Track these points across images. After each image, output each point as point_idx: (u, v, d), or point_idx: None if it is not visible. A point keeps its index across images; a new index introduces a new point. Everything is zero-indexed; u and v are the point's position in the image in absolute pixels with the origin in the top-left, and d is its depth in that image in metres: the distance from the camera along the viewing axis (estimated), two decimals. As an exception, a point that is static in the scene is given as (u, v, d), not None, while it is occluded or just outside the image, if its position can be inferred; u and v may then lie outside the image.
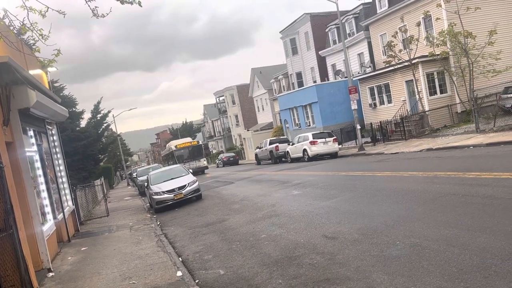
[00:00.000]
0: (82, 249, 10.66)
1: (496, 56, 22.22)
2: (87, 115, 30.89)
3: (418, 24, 26.05)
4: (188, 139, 49.81)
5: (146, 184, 19.40)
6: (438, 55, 24.29)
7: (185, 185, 17.18)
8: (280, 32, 47.01)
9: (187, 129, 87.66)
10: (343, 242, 6.78)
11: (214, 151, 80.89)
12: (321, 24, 41.35)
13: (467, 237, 5.74)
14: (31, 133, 10.13)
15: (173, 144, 46.34)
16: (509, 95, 21.48)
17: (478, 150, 15.03)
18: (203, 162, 42.62)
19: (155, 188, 17.38)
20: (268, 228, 9.07)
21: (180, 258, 8.25)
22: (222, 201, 15.70)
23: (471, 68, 22.82)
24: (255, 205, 12.53)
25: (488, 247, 5.20)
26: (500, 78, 22.73)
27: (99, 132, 31.08)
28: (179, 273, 6.95)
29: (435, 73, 25.95)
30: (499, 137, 16.55)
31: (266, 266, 6.50)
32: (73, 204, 14.14)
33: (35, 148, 10.18)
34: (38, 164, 10.15)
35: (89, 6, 6.78)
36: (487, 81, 22.79)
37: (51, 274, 8.22)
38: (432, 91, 26.09)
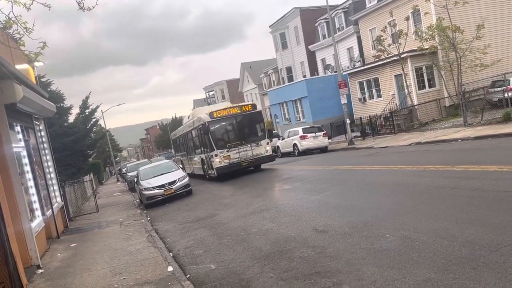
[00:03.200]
0: (72, 245, 10.58)
1: (483, 51, 22.41)
2: (75, 110, 30.71)
3: (407, 19, 26.16)
4: (228, 104, 25.18)
5: (136, 179, 19.32)
6: (426, 49, 24.43)
7: (175, 180, 17.13)
8: (270, 27, 46.87)
9: (177, 124, 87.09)
10: (333, 236, 6.82)
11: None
12: (310, 19, 41.30)
13: (456, 229, 5.80)
14: (18, 128, 9.98)
15: (204, 112, 21.68)
16: (496, 89, 21.70)
17: (466, 144, 15.19)
18: (264, 145, 20.31)
19: (145, 183, 17.30)
20: (259, 223, 9.08)
21: (171, 253, 8.23)
22: (213, 196, 15.68)
23: (459, 62, 22.99)
24: (246, 200, 12.53)
25: (476, 239, 5.26)
26: (487, 72, 22.93)
27: (88, 127, 30.78)
28: (170, 268, 6.94)
29: (423, 67, 26.11)
30: (487, 130, 16.74)
31: (257, 260, 6.51)
32: (62, 200, 14.00)
33: (22, 144, 10.04)
34: (25, 160, 10.02)
35: (75, -1, 6.69)
36: (474, 75, 22.98)
37: (40, 270, 8.14)
38: (421, 85, 26.26)
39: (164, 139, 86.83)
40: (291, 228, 7.92)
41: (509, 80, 20.92)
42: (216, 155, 19.33)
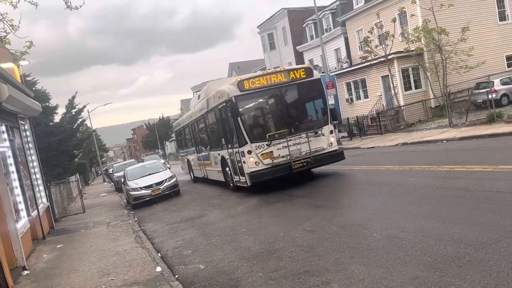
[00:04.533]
0: (58, 246, 10.45)
1: (468, 53, 22.76)
2: (61, 110, 30.34)
3: (394, 20, 26.43)
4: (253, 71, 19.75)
5: (123, 180, 19.15)
6: (413, 51, 24.72)
7: (163, 180, 17.04)
8: (258, 27, 46.94)
9: (164, 124, 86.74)
10: (321, 235, 6.87)
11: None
12: (298, 20, 41.46)
13: (442, 228, 5.90)
14: (3, 128, 9.83)
15: (227, 83, 13.77)
16: (480, 91, 22.07)
17: (452, 144, 15.41)
18: (327, 135, 12.76)
19: (132, 184, 17.18)
20: (248, 222, 9.10)
21: (159, 254, 8.20)
22: (201, 196, 15.64)
23: (445, 64, 23.32)
24: (235, 200, 12.54)
25: (462, 238, 5.36)
26: (472, 74, 23.30)
27: (74, 127, 30.42)
28: (158, 269, 6.91)
29: (410, 69, 26.41)
30: (471, 131, 17.01)
31: (246, 259, 6.52)
32: (47, 201, 13.82)
33: (7, 143, 9.89)
34: (10, 160, 9.87)
35: (62, -3, 6.65)
36: (459, 76, 23.32)
37: (26, 272, 8.04)
38: (407, 87, 26.55)
39: (151, 139, 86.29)
40: (280, 228, 7.96)
41: (493, 82, 21.32)
42: (249, 152, 11.74)
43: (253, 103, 12.71)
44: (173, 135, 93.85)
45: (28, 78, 22.26)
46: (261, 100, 12.68)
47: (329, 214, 8.20)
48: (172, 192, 17.11)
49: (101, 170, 60.81)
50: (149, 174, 17.87)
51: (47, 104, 24.71)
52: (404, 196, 8.43)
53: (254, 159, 11.87)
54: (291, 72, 12.55)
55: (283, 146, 11.93)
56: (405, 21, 27.63)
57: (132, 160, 44.53)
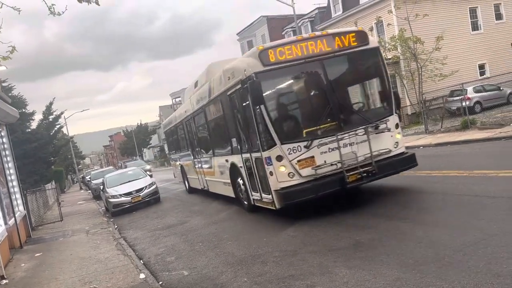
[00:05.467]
0: (36, 255, 10.24)
1: (442, 61, 23.43)
2: (38, 116, 29.58)
3: (371, 29, 26.99)
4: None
5: (102, 187, 18.89)
6: (389, 59, 25.26)
7: (143, 187, 16.90)
8: (237, 34, 47.20)
9: (142, 131, 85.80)
10: (304, 239, 6.96)
11: (170, 153, 79.65)
12: (278, 27, 41.90)
13: (421, 231, 6.06)
14: (-21, 134, 9.62)
15: (244, 56, 9.56)
16: (454, 98, 22.75)
17: (428, 150, 15.80)
18: (393, 130, 8.61)
19: (111, 191, 16.96)
20: (231, 228, 9.14)
21: (141, 261, 8.15)
22: (182, 203, 15.57)
23: (420, 72, 23.93)
24: (217, 206, 12.53)
25: (441, 240, 5.53)
26: (446, 82, 23.95)
27: (51, 134, 29.83)
28: (142, 276, 6.87)
29: (387, 77, 26.95)
30: (446, 137, 17.49)
31: (230, 265, 6.56)
32: (24, 209, 13.52)
33: (-16, 150, 9.68)
34: (-13, 167, 9.66)
35: (45, 3, 6.59)
36: (434, 84, 23.95)
37: (4, 281, 7.86)
38: (384, 94, 27.06)
39: (129, 146, 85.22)
40: (264, 233, 8.02)
41: (466, 90, 21.98)
42: (279, 158, 7.92)
43: (283, 84, 8.60)
44: (160, 137, 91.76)
45: (4, 84, 21.78)
46: (295, 79, 8.53)
47: (311, 218, 8.29)
48: (152, 199, 16.96)
49: (78, 177, 59.67)
50: (129, 181, 17.67)
51: (23, 110, 24.20)
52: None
53: (286, 168, 7.83)
54: (337, 38, 8.45)
55: (330, 149, 7.91)
56: (382, 30, 28.26)
57: (111, 167, 43.76)
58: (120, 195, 16.51)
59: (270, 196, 8.25)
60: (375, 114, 8.77)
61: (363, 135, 8.12)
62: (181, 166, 18.08)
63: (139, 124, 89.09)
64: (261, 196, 8.81)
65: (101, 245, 10.28)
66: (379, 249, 5.70)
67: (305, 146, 7.86)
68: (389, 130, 8.43)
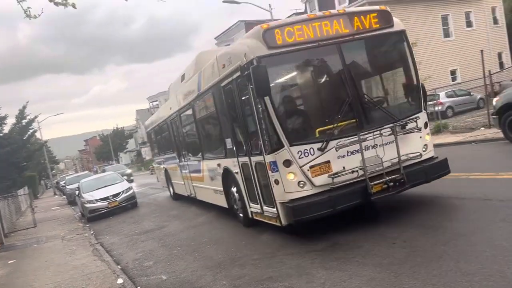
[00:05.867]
0: (10, 262, 10.03)
1: (416, 67, 24.07)
2: (11, 120, 28.80)
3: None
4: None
5: (77, 192, 18.59)
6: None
7: (120, 192, 16.72)
8: (215, 39, 47.22)
9: (118, 135, 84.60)
10: (283, 241, 7.05)
11: (147, 158, 78.92)
12: (255, 32, 42.11)
13: (396, 232, 6.23)
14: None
15: (239, 42, 7.43)
16: (428, 103, 23.37)
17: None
18: (422, 129, 7.15)
19: (87, 196, 16.71)
20: (209, 232, 9.15)
21: (119, 266, 8.08)
22: (159, 207, 15.47)
23: (395, 77, 24.50)
24: (195, 211, 12.51)
25: (413, 240, 5.71)
26: (420, 87, 24.61)
27: (25, 138, 29.12)
28: (119, 281, 6.83)
29: (362, 82, 27.46)
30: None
31: (209, 268, 6.59)
32: (-4, 215, 13.20)
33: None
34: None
35: (21, 6, 6.53)
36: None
37: (-24, 289, 7.67)
38: (360, 99, 27.57)
39: (105, 150, 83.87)
40: (242, 237, 8.07)
41: (439, 95, 22.64)
42: (287, 163, 6.43)
43: (292, 73, 7.10)
44: (137, 141, 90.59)
45: (-26, 87, 21.21)
46: (306, 66, 7.04)
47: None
48: (129, 204, 16.79)
49: (52, 183, 58.35)
50: (105, 186, 17.45)
51: (-5, 114, 23.58)
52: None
53: (296, 176, 6.38)
54: (357, 18, 7.01)
55: (349, 152, 6.55)
56: (357, 36, 28.80)
57: (86, 172, 42.81)
58: (96, 200, 16.29)
59: (275, 209, 6.77)
60: (401, 110, 7.25)
61: (389, 135, 6.65)
62: (165, 170, 16.38)
63: (115, 128, 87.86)
64: (262, 209, 7.34)
65: (77, 251, 10.14)
66: (355, 250, 5.84)
67: (319, 149, 6.37)
68: (419, 130, 6.99)
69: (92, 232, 13.18)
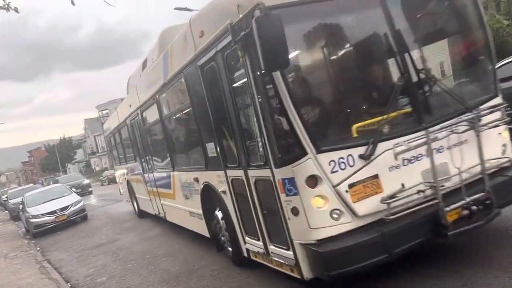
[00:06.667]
0: None
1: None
2: None
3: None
4: None
5: (21, 206, 17.57)
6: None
7: (68, 205, 16.00)
8: (167, 46, 46.66)
9: (66, 145, 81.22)
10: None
11: (97, 169, 76.24)
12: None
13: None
14: None
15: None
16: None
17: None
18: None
19: (32, 210, 15.85)
20: (166, 244, 8.89)
21: (69, 284, 7.70)
22: (112, 220, 14.90)
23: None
24: (150, 222, 12.13)
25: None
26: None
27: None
28: (70, 300, 6.46)
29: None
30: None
31: (166, 282, 6.39)
32: None
33: None
34: None
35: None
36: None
37: None
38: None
39: (51, 161, 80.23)
40: (199, 247, 7.89)
41: None
42: (313, 180, 3.99)
43: (317, 37, 4.46)
44: (86, 151, 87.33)
45: None
46: (337, 28, 4.60)
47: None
48: (78, 218, 16.09)
49: (-8, 197, 54.85)
50: (52, 199, 16.63)
51: None
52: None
53: (327, 201, 4.05)
54: None
55: (406, 159, 4.22)
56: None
57: (31, 185, 40.46)
58: (43, 214, 15.48)
59: (291, 253, 4.37)
60: (473, 95, 4.81)
61: (462, 132, 4.32)
62: (128, 182, 13.58)
63: (62, 138, 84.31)
64: (266, 249, 4.92)
65: (22, 269, 9.53)
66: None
67: (362, 156, 4.03)
68: (509, 123, 4.69)
69: (38, 248, 12.46)
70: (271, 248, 4.84)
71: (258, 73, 4.04)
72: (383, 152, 4.09)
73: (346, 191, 4.03)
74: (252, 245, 5.32)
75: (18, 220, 20.68)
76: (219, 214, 6.22)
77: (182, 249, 8.13)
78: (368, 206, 4.08)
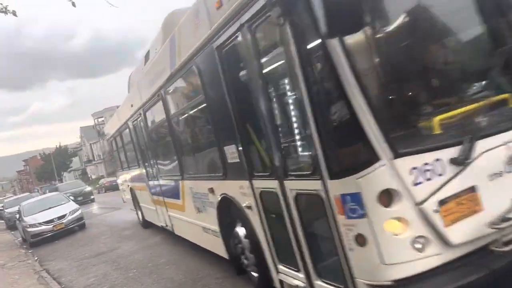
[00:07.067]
0: None
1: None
2: None
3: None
4: None
5: (17, 216, 17.36)
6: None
7: (66, 214, 15.84)
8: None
9: (61, 154, 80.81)
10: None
11: (93, 177, 75.87)
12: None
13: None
14: None
15: None
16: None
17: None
18: None
19: (29, 219, 15.65)
20: (167, 252, 8.74)
21: (69, 294, 7.50)
22: (110, 228, 14.72)
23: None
24: (150, 230, 11.95)
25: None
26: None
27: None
28: (71, 310, 6.30)
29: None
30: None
31: (170, 291, 6.24)
32: None
33: None
34: None
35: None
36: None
37: None
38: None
39: (47, 170, 79.80)
40: (203, 255, 7.74)
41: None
42: (388, 196, 2.85)
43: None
44: (81, 159, 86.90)
45: None
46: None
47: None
48: (76, 226, 15.92)
49: (-13, 207, 54.33)
50: (50, 208, 16.45)
51: None
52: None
53: (407, 226, 2.88)
54: None
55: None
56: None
57: (27, 193, 40.02)
58: (40, 223, 15.30)
59: None
60: None
61: None
62: (132, 190, 12.45)
63: (58, 146, 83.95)
64: (310, 285, 3.74)
65: (21, 279, 9.35)
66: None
67: (454, 161, 2.97)
68: None
69: (36, 258, 12.25)
70: (318, 284, 3.60)
71: (310, 45, 2.91)
72: (481, 154, 2.97)
73: (435, 211, 2.87)
74: (288, 276, 4.10)
75: (15, 230, 20.41)
76: (240, 230, 5.01)
77: (185, 257, 7.96)
78: (465, 231, 2.92)
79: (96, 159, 78.20)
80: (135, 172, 11.26)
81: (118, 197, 27.19)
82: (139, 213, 12.23)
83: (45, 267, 10.66)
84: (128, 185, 12.91)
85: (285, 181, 3.69)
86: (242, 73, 4.13)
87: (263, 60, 3.71)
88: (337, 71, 2.79)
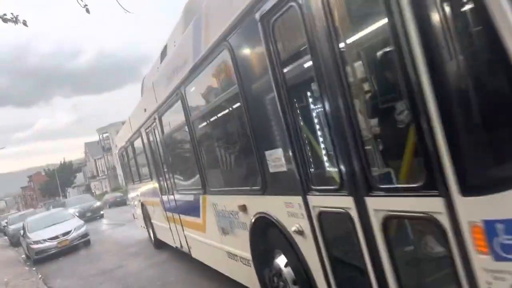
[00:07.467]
0: None
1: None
2: None
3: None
4: None
5: (21, 232, 17.12)
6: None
7: (71, 230, 15.57)
8: (168, 68, 46.83)
9: (66, 169, 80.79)
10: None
11: (97, 192, 75.67)
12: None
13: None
14: None
15: None
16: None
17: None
18: None
19: (34, 236, 15.41)
20: (177, 270, 8.43)
21: (75, 314, 7.20)
22: (116, 244, 14.43)
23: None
24: (157, 246, 11.66)
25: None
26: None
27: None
28: (78, 332, 5.99)
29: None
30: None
31: (181, 311, 5.93)
32: None
33: None
34: None
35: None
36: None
37: None
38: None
39: (51, 186, 79.69)
40: (214, 273, 7.45)
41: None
42: None
43: None
44: (86, 175, 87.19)
45: None
46: None
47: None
48: (81, 243, 15.63)
49: (-9, 223, 54.10)
50: (54, 224, 16.22)
51: None
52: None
53: None
54: None
55: None
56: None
57: (31, 209, 39.82)
58: (44, 240, 15.03)
59: None
60: None
61: None
62: (143, 205, 11.37)
63: (62, 162, 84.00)
64: None
65: (24, 299, 9.04)
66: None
67: None
68: None
69: (40, 276, 11.95)
70: None
71: None
72: None
73: None
74: None
75: (18, 246, 20.17)
76: (281, 261, 3.93)
77: (195, 274, 7.65)
78: None
79: (100, 175, 78.10)
80: (147, 185, 10.12)
81: (124, 212, 26.95)
82: (151, 231, 11.17)
83: (50, 285, 10.38)
84: (140, 200, 11.78)
85: (367, 198, 2.53)
86: (301, 49, 2.90)
87: (340, 32, 2.46)
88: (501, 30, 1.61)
